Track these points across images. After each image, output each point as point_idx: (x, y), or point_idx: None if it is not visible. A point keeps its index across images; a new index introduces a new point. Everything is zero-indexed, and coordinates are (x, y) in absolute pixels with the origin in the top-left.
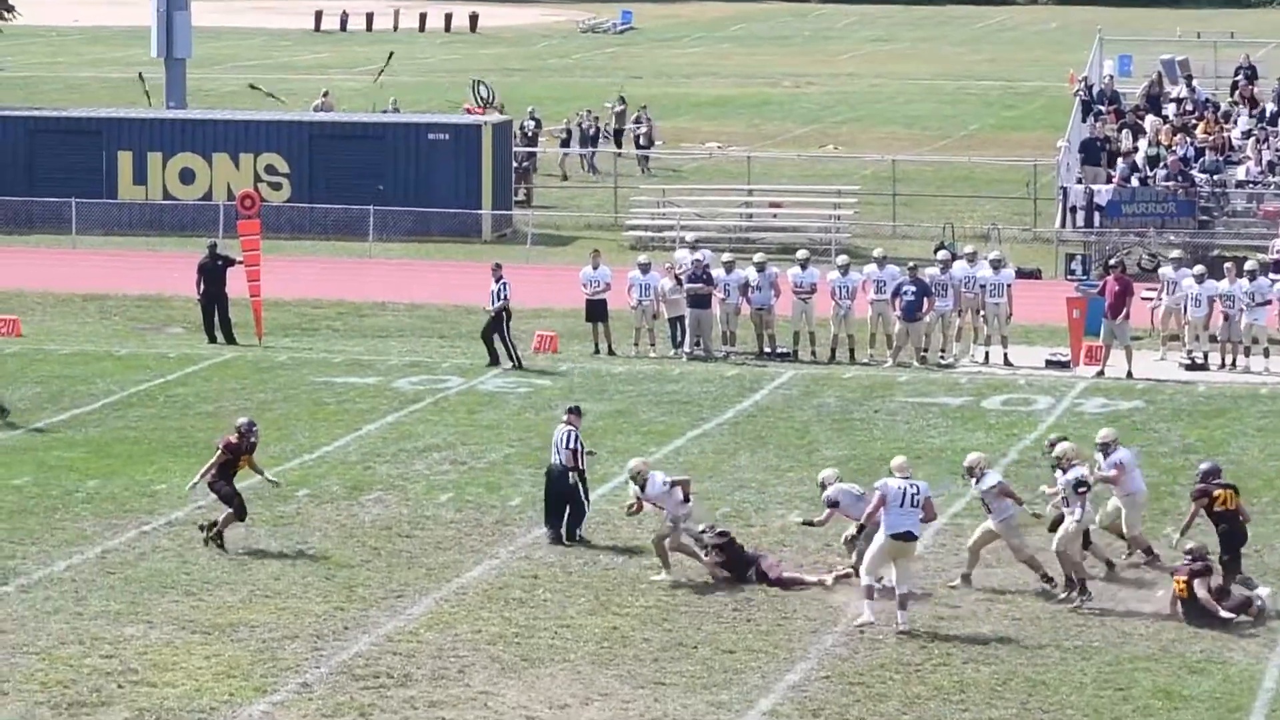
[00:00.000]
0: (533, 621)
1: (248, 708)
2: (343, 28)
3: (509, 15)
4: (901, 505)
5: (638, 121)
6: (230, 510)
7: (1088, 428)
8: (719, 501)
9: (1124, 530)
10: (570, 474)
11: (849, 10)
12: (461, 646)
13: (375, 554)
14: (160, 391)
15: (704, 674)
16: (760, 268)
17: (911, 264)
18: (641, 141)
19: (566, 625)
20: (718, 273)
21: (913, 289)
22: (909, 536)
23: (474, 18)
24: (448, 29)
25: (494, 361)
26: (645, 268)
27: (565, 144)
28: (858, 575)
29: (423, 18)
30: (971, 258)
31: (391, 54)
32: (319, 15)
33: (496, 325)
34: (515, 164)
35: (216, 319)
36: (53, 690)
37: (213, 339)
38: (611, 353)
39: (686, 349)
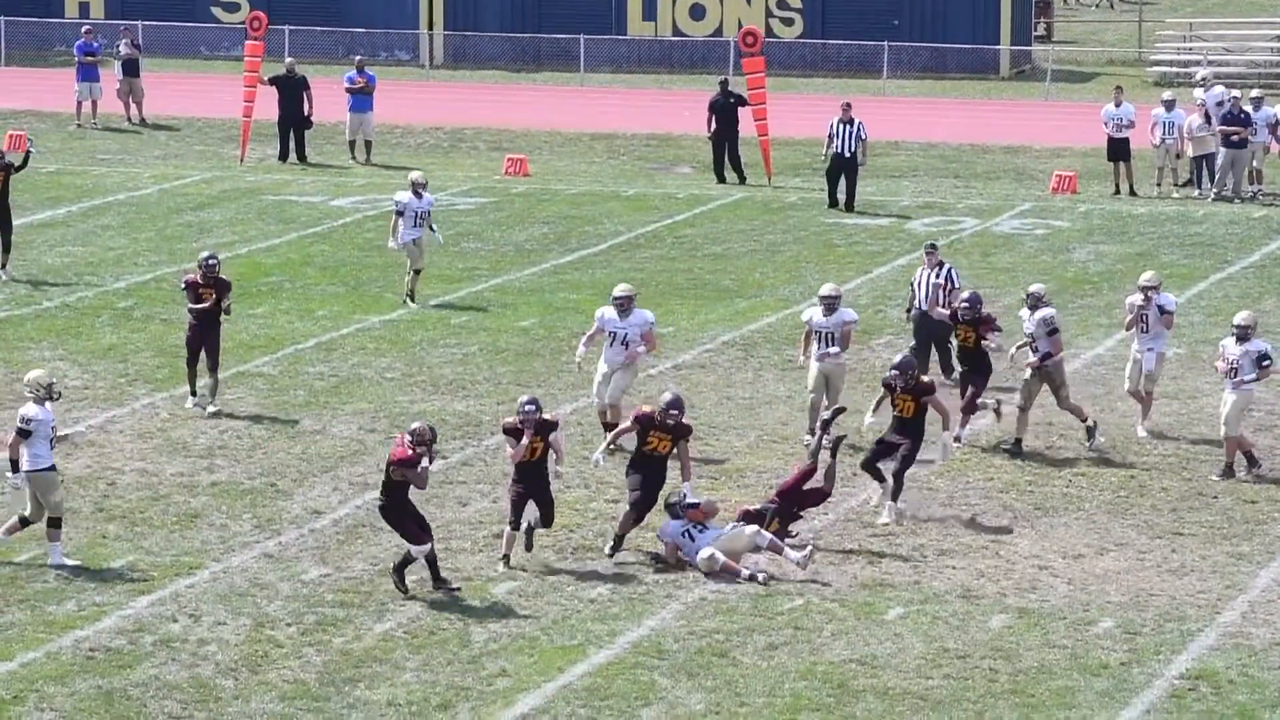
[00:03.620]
0: (1046, 469)
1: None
2: None
3: None
4: None
5: None
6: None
7: None
8: None
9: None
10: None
11: None
12: (973, 494)
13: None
14: (668, 232)
15: (1224, 524)
16: None
17: None
18: None
19: (1081, 474)
20: (1246, 109)
21: None
22: None
23: None
24: None
25: (721, 179)
26: (1170, 104)
27: None
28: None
29: None
30: None
31: None
32: None
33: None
34: None
35: (726, 158)
36: (558, 535)
37: (722, 179)
38: (1133, 193)
39: (1213, 188)
